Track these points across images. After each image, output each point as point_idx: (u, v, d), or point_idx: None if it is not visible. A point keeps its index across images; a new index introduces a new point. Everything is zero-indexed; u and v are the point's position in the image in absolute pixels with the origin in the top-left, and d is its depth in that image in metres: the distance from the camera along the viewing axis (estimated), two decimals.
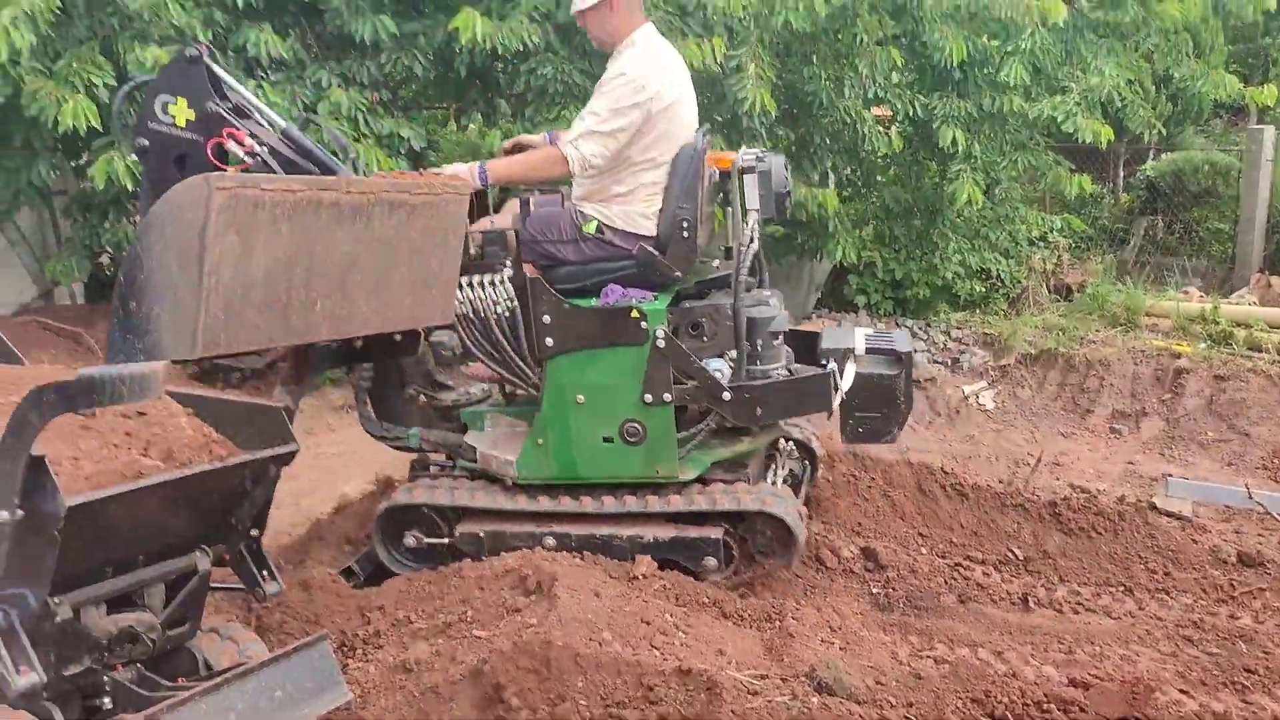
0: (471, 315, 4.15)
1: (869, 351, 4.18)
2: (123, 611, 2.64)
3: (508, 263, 4.10)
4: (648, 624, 3.56)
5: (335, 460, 6.35)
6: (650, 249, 4.12)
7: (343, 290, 2.70)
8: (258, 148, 4.09)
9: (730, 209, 4.26)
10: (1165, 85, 10.04)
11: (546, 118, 7.30)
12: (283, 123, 4.23)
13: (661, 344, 4.02)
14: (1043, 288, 9.97)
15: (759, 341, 4.08)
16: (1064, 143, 9.58)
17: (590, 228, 4.19)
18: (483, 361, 4.23)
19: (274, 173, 4.05)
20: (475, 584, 3.82)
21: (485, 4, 7.21)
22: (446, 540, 4.30)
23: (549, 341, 4.11)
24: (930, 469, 5.24)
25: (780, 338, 4.17)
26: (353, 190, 2.70)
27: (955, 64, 8.04)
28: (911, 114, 8.68)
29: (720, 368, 4.12)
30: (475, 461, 4.33)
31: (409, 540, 4.37)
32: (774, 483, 4.29)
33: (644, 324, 4.02)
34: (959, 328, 9.52)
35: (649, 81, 4.06)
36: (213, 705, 2.46)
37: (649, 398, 4.07)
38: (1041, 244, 10.52)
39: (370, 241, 2.77)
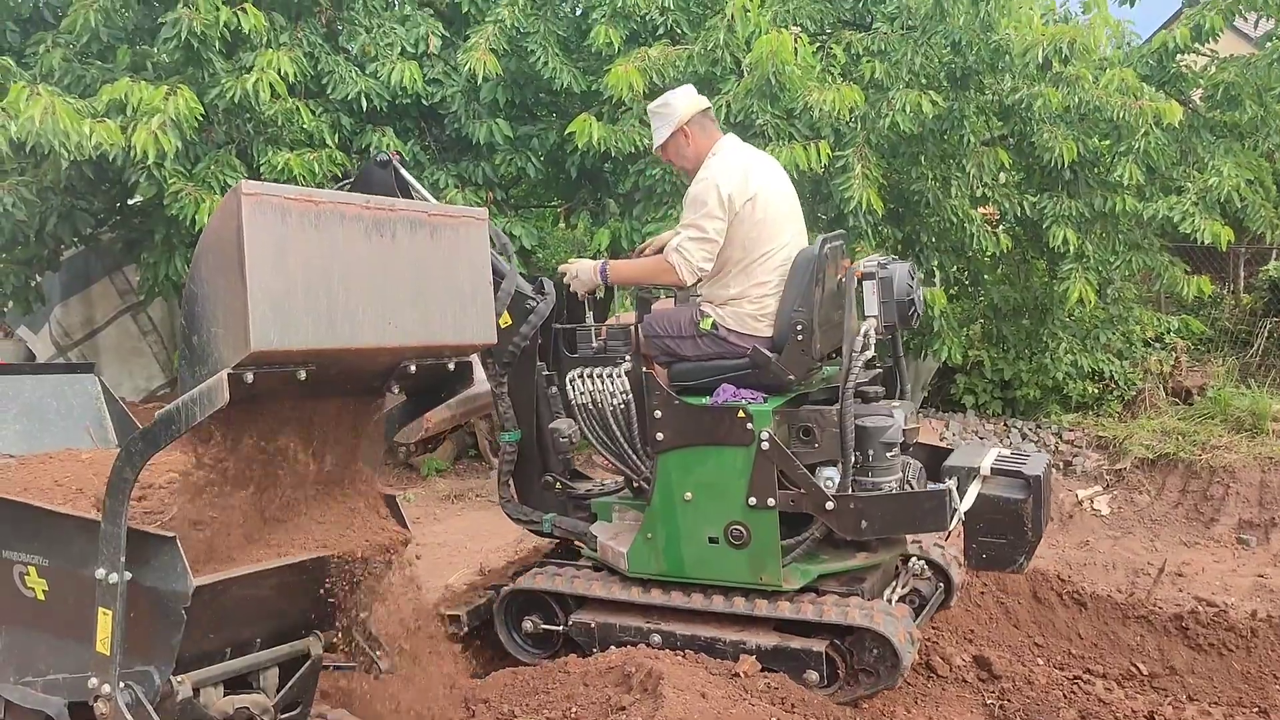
0: (590, 405, 4.27)
1: (996, 472, 3.96)
2: (239, 693, 2.70)
3: (628, 356, 4.21)
4: None
5: (440, 550, 6.44)
6: (764, 350, 4.11)
7: (382, 298, 2.74)
8: None
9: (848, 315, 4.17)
10: None
11: (653, 217, 7.46)
12: None
13: (766, 446, 3.96)
14: (1160, 390, 9.66)
15: (870, 451, 3.96)
16: (1181, 242, 9.38)
17: (706, 324, 4.23)
18: (599, 451, 4.32)
19: None
20: (580, 680, 3.81)
21: (598, 109, 7.46)
22: (561, 628, 4.33)
23: (660, 436, 4.13)
24: (1046, 576, 5.07)
25: (897, 449, 4.03)
26: (372, 205, 2.78)
27: (1066, 164, 7.99)
28: (1019, 213, 8.63)
29: (832, 476, 4.03)
30: (595, 551, 4.36)
31: (527, 625, 4.42)
32: (890, 600, 4.13)
33: (750, 425, 3.98)
34: (1071, 430, 9.26)
35: (728, 178, 4.14)
36: None
37: (753, 501, 4.01)
38: (1158, 345, 10.23)
39: (399, 255, 2.82)
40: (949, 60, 7.89)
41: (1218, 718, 4.15)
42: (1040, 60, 7.56)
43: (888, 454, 3.99)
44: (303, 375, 2.56)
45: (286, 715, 2.89)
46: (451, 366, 3.09)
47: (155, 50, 7.19)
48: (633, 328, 4.28)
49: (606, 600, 4.26)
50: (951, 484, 3.89)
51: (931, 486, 4.02)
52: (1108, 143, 8.45)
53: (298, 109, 7.20)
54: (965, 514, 3.87)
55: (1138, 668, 4.50)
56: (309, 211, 2.58)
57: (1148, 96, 7.95)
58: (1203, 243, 8.21)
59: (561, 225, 9.90)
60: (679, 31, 7.86)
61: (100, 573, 2.43)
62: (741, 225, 4.16)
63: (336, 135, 7.51)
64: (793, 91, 7.09)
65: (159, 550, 2.46)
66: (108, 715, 2.45)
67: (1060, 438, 9.14)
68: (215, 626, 2.60)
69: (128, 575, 2.44)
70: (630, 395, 4.19)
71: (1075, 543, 7.38)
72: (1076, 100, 7.76)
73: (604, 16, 7.52)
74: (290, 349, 2.49)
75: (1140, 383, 9.58)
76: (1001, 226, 9.24)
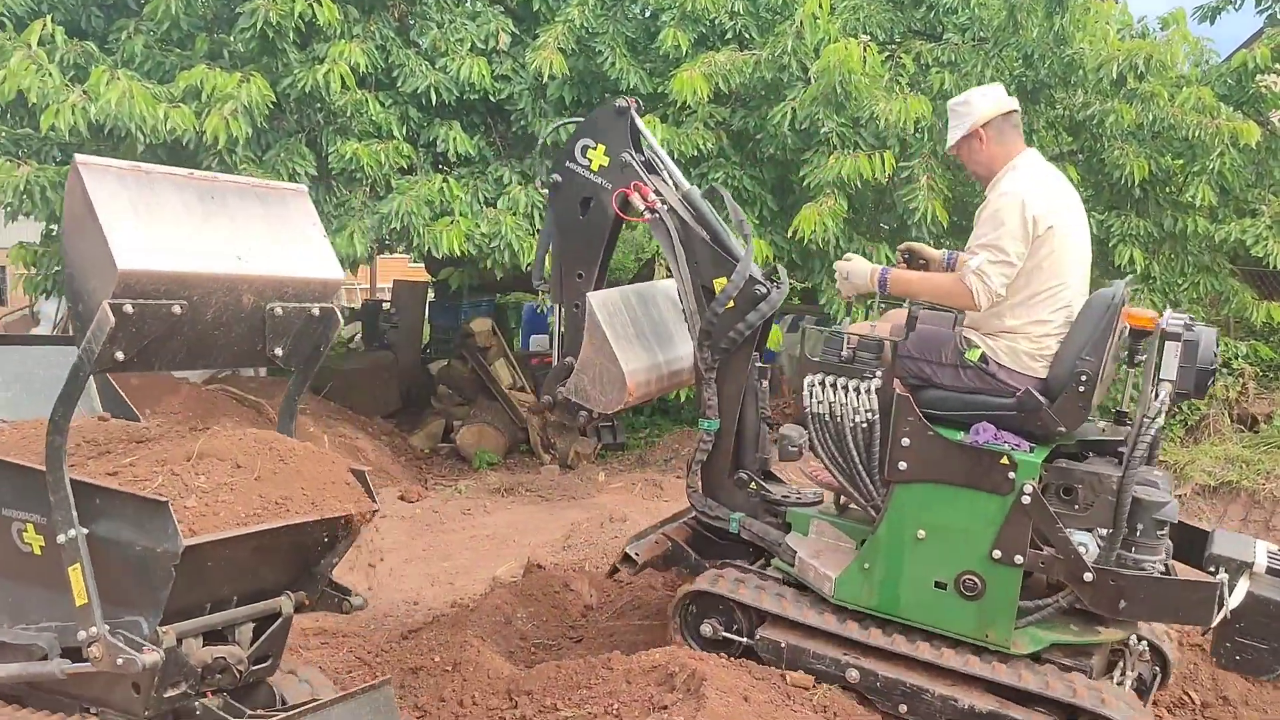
0: (827, 417, 3.91)
1: (1270, 571, 3.60)
2: (217, 645, 2.95)
3: (878, 373, 3.84)
4: None
5: (489, 542, 6.49)
6: (1037, 394, 3.71)
7: (230, 240, 2.93)
8: (659, 204, 4.24)
9: (1143, 374, 3.82)
10: None
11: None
12: (686, 185, 4.36)
13: (1027, 500, 3.59)
14: (1225, 416, 9.45)
15: (1139, 526, 3.58)
16: (1252, 266, 9.17)
17: (974, 355, 3.82)
18: (825, 466, 3.97)
19: (667, 230, 4.22)
20: (623, 676, 3.80)
21: (663, 110, 7.48)
22: (745, 640, 4.06)
23: (902, 465, 3.78)
24: None
25: (1168, 529, 3.65)
26: (197, 177, 2.97)
27: (1136, 182, 7.86)
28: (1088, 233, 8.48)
29: (1085, 542, 3.69)
30: (792, 565, 4.08)
31: (706, 629, 4.13)
32: (1120, 683, 3.73)
33: (1012, 474, 3.60)
34: None
35: (1030, 201, 3.71)
36: None
37: (998, 554, 3.64)
38: (1225, 371, 10.00)
39: (234, 214, 3.01)
40: (1020, 73, 7.81)
41: None
42: (1115, 76, 7.46)
43: (1158, 532, 3.60)
44: (177, 309, 2.70)
45: (258, 666, 3.11)
46: (316, 311, 3.15)
47: (232, 39, 7.35)
48: (888, 343, 3.87)
49: (801, 622, 3.94)
50: (1224, 577, 3.54)
51: (1199, 575, 3.63)
52: (1181, 162, 8.29)
53: (367, 100, 7.31)
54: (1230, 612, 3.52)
55: (1190, 696, 4.40)
56: (142, 179, 2.80)
57: (1225, 116, 7.81)
58: (1275, 266, 8.02)
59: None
60: (747, 36, 7.86)
61: (60, 537, 2.65)
62: (1037, 253, 3.74)
63: (404, 127, 7.61)
64: (859, 100, 7.06)
65: (153, 514, 2.66)
66: (99, 657, 2.67)
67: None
68: (199, 583, 2.81)
69: (84, 530, 2.67)
70: (876, 415, 3.82)
71: None
72: (1150, 117, 7.65)
73: (673, 19, 7.55)
74: (153, 269, 2.66)
75: (1205, 408, 9.37)
76: None
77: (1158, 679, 3.98)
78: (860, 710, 3.88)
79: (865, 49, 7.04)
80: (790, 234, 7.24)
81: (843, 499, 4.20)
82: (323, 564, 3.19)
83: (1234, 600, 3.50)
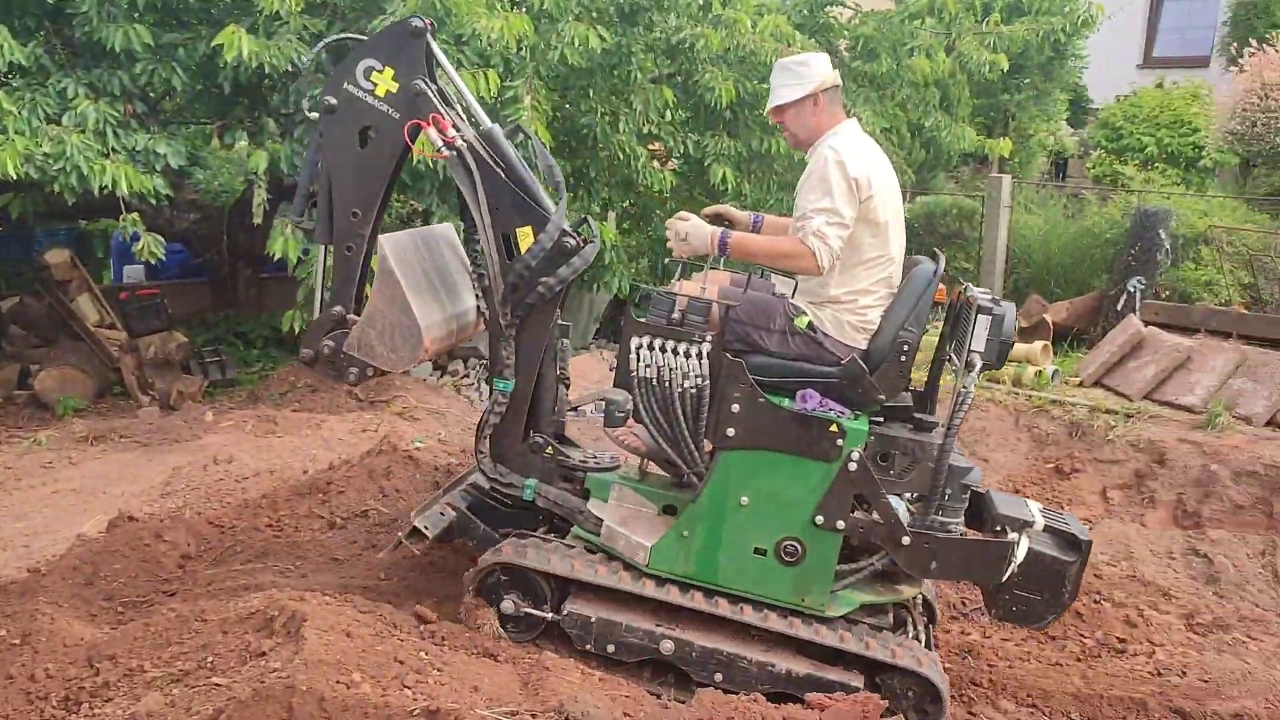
0: (654, 380, 3.78)
1: (1048, 529, 3.84)
2: None
3: (708, 336, 3.76)
4: (401, 663, 3.47)
5: (73, 497, 5.90)
6: (860, 363, 3.81)
7: None
8: (459, 141, 3.81)
9: (956, 346, 3.89)
10: (918, 134, 10.75)
11: None
12: (487, 123, 3.94)
13: (854, 467, 3.68)
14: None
15: (948, 491, 3.74)
16: None
17: (802, 322, 3.88)
18: (649, 431, 3.85)
19: (466, 171, 3.80)
20: (218, 627, 3.61)
21: (252, 20, 6.95)
22: (550, 615, 3.91)
23: (730, 432, 3.76)
24: None
25: (968, 493, 3.84)
26: None
27: (725, 105, 8.35)
28: (685, 151, 8.95)
29: (899, 507, 3.81)
30: (596, 533, 3.97)
31: (506, 605, 3.94)
32: (915, 638, 3.94)
33: (840, 441, 3.68)
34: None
35: (856, 163, 3.76)
36: None
37: (820, 520, 3.72)
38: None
39: None
40: None
41: None
42: (702, 1, 7.81)
43: (963, 496, 3.80)
44: None
45: None
46: None
47: None
48: (717, 306, 3.82)
49: (613, 592, 3.85)
50: (1014, 536, 3.74)
51: (992, 537, 3.82)
52: (766, 86, 8.89)
53: None
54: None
55: None
56: None
57: (799, 44, 8.44)
58: None
59: (217, 144, 9.22)
60: None
61: None
62: (861, 221, 3.81)
63: None
64: (459, 17, 6.92)
65: None
66: None
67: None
68: None
69: None
70: (705, 380, 3.75)
71: None
72: (735, 43, 8.10)
73: None
74: None
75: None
76: (671, 164, 9.58)
77: (928, 630, 4.25)
78: (467, 635, 3.95)
79: None
80: None
81: (647, 464, 4.16)
82: None
83: (1019, 557, 3.72)
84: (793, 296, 3.91)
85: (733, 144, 8.85)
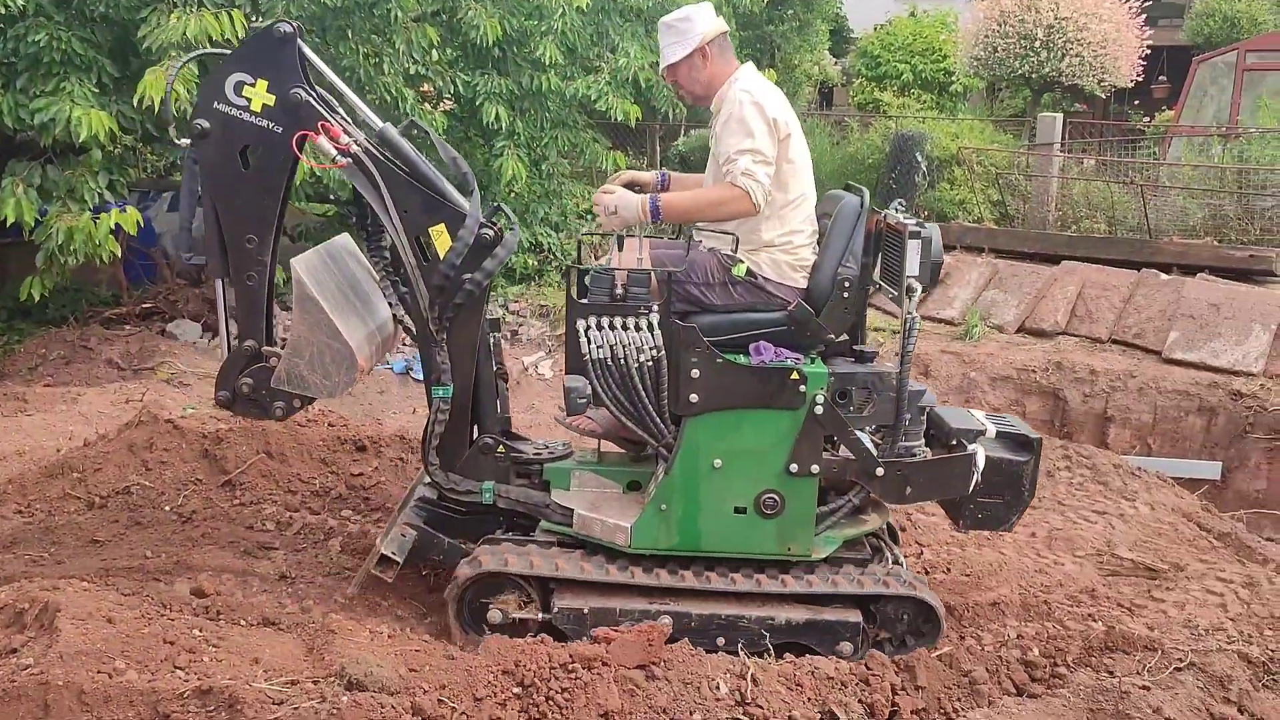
0: (610, 360, 3.64)
1: (1001, 435, 3.93)
2: None
3: (654, 306, 3.63)
4: (171, 644, 3.29)
5: None
6: (806, 305, 3.79)
7: None
8: (354, 147, 3.49)
9: (899, 274, 3.82)
10: None
11: (42, 90, 6.52)
12: (379, 123, 3.59)
13: (820, 410, 3.65)
14: (593, 259, 10.48)
15: (907, 416, 3.77)
16: (603, 120, 10.10)
17: (739, 270, 3.79)
18: (612, 411, 3.71)
19: (368, 177, 3.51)
20: None
21: None
22: (541, 616, 3.71)
23: (693, 398, 3.65)
24: None
25: (925, 414, 3.88)
26: None
27: (492, 43, 8.19)
28: (456, 92, 8.73)
29: (865, 441, 3.79)
30: (567, 524, 3.80)
31: (494, 615, 3.71)
32: (896, 563, 3.94)
33: (803, 387, 3.63)
34: (516, 301, 9.78)
35: (771, 103, 3.73)
36: None
37: (795, 468, 3.68)
38: (590, 217, 11.05)
39: None
40: None
41: None
42: None
43: (920, 419, 3.83)
44: None
45: None
46: None
47: None
48: (655, 274, 3.69)
49: (598, 582, 3.71)
50: (975, 448, 3.80)
51: (953, 453, 3.86)
52: (532, 22, 8.78)
53: None
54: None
55: None
56: None
57: None
58: (616, 119, 8.91)
59: None
60: None
61: None
62: (782, 161, 3.75)
63: None
64: None
65: None
66: None
67: (507, 309, 9.63)
68: None
69: None
70: (660, 350, 3.62)
71: (523, 407, 7.85)
72: None
73: None
74: None
75: (575, 253, 10.31)
76: (443, 105, 9.33)
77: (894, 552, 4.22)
78: (244, 602, 3.80)
79: None
80: (138, 102, 6.54)
81: (602, 445, 4.08)
82: None
83: (980, 466, 3.79)
84: (735, 251, 3.88)
85: (503, 82, 8.72)
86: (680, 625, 3.63)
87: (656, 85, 9.29)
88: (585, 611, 3.66)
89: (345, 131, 3.56)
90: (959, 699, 3.38)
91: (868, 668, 3.37)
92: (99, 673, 3.03)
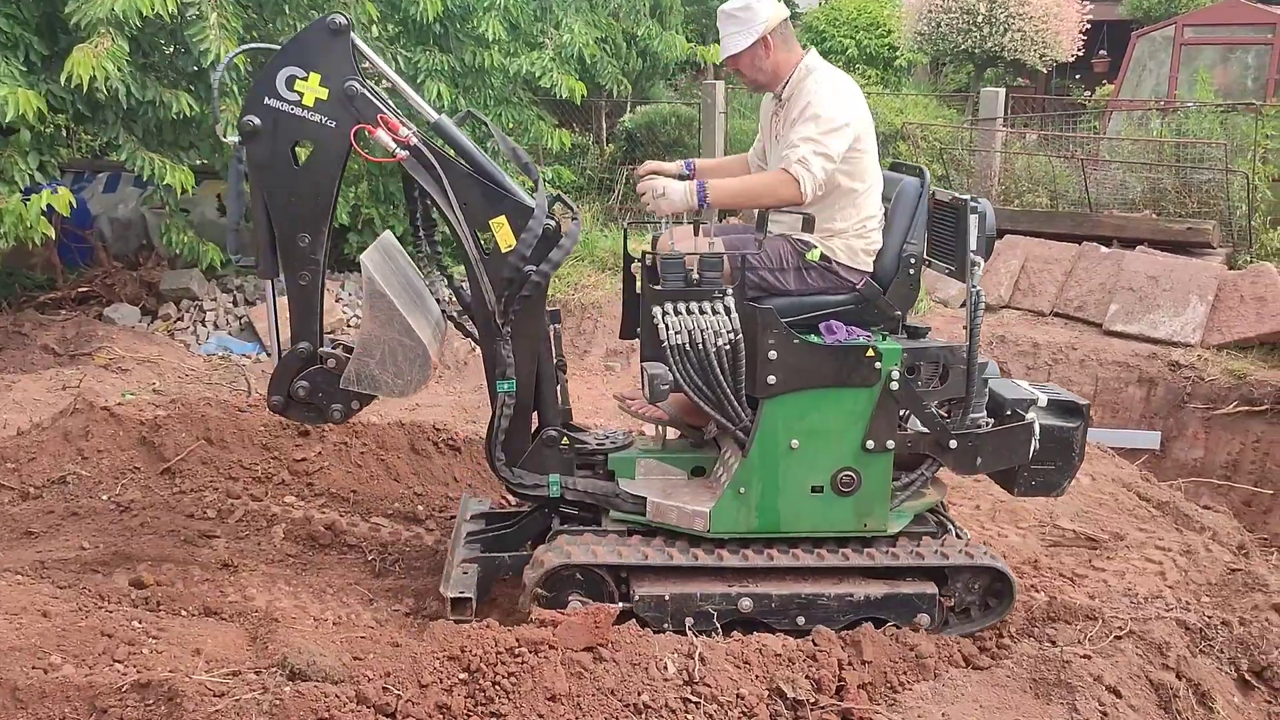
0: (688, 345, 3.60)
1: (1052, 403, 4.00)
2: None
3: (729, 290, 3.62)
4: (109, 637, 3.25)
5: None
6: (875, 285, 3.85)
7: None
8: (413, 140, 3.42)
9: (959, 250, 3.86)
10: (633, 43, 10.80)
11: None
12: (434, 114, 3.54)
13: (895, 386, 3.67)
14: (635, 244, 10.42)
15: (974, 388, 3.81)
16: (547, 97, 10.00)
17: (814, 255, 3.81)
18: (691, 397, 3.67)
19: (428, 169, 3.45)
20: None
21: None
22: (621, 605, 3.59)
23: (771, 379, 3.63)
24: (422, 428, 5.26)
25: (988, 386, 3.94)
26: None
27: (433, 19, 8.06)
28: (397, 68, 8.58)
29: (934, 414, 3.82)
30: (640, 513, 3.77)
31: (574, 606, 3.59)
32: (959, 536, 3.98)
33: (878, 364, 3.65)
34: (463, 280, 9.68)
35: (851, 103, 3.79)
36: None
37: (871, 444, 3.71)
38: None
39: None
40: None
41: None
42: None
43: (984, 391, 3.87)
44: None
45: None
46: None
47: None
48: (729, 258, 3.67)
49: (674, 567, 3.68)
50: (1032, 417, 3.86)
51: (1014, 423, 3.90)
52: None
53: None
54: None
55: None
56: None
57: None
58: (561, 96, 8.82)
59: None
60: None
61: None
62: (859, 154, 3.80)
63: None
64: None
65: None
66: None
67: (454, 290, 9.53)
68: None
69: None
70: (739, 335, 3.60)
71: (471, 387, 7.78)
72: None
73: None
74: None
75: (640, 243, 10.22)
76: (381, 84, 9.17)
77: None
78: (184, 592, 3.74)
79: None
80: (66, 80, 6.35)
81: (665, 431, 4.09)
82: None
83: (1037, 434, 3.85)
84: (803, 232, 3.87)
85: (445, 59, 8.58)
86: (761, 607, 3.66)
87: (601, 61, 9.22)
88: (666, 598, 3.64)
89: (403, 124, 3.49)
90: (904, 672, 3.42)
91: (815, 644, 3.40)
92: (34, 668, 2.97)
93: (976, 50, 14.58)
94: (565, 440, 3.88)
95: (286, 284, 3.61)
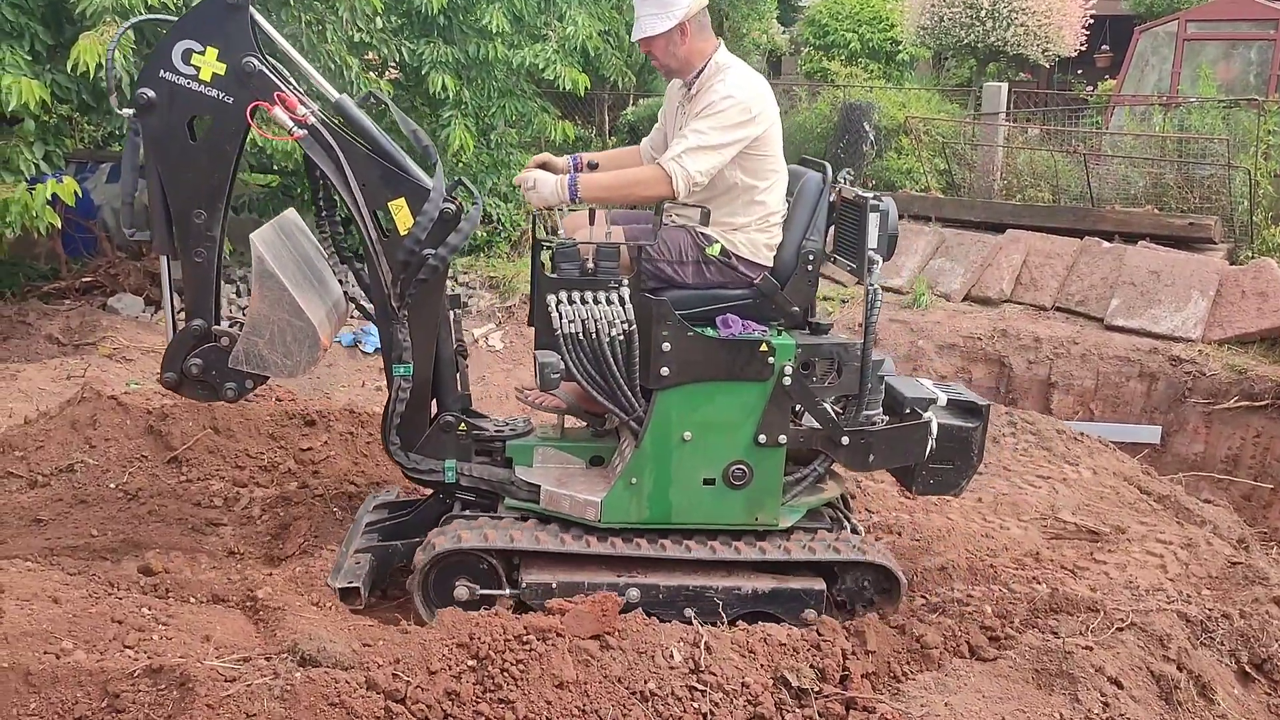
0: (580, 335, 3.61)
1: (951, 403, 4.01)
2: None
3: (624, 280, 3.63)
4: (120, 623, 3.26)
5: None
6: (773, 280, 3.84)
7: None
8: (311, 119, 3.38)
9: (860, 248, 3.85)
10: None
11: None
12: (335, 94, 3.49)
13: (788, 382, 3.69)
14: (541, 229, 10.42)
15: (869, 385, 3.82)
16: (551, 89, 10.01)
17: (714, 250, 3.81)
18: (583, 385, 3.68)
19: (325, 149, 3.41)
20: None
21: None
22: (507, 591, 3.67)
23: (664, 371, 3.65)
24: None
25: (884, 382, 3.95)
26: None
27: (438, 10, 8.07)
28: (401, 60, 8.60)
29: (829, 411, 3.83)
30: (534, 501, 3.78)
31: (461, 592, 3.66)
32: (855, 531, 3.99)
33: (772, 359, 3.67)
34: (465, 272, 9.71)
35: (756, 104, 3.75)
36: None
37: (763, 439, 3.73)
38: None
39: None
40: None
41: None
42: None
43: (879, 388, 3.88)
44: None
45: None
46: None
47: None
48: (624, 248, 3.68)
49: (564, 554, 3.70)
50: (930, 416, 3.87)
51: (911, 421, 3.92)
52: None
53: None
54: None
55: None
56: None
57: None
58: (564, 88, 8.83)
59: None
60: None
61: None
62: (762, 151, 3.80)
63: None
64: None
65: None
66: None
67: (456, 280, 9.55)
68: None
69: None
70: (633, 325, 3.61)
71: (473, 379, 7.80)
72: None
73: None
74: None
75: (524, 224, 10.25)
76: (388, 74, 9.19)
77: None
78: (192, 579, 3.77)
79: None
80: (72, 69, 6.37)
81: (567, 420, 4.08)
82: None
83: (934, 433, 3.86)
84: (702, 225, 3.84)
85: (450, 50, 8.60)
86: (649, 598, 3.67)
87: (605, 54, 9.23)
88: (553, 585, 3.64)
89: (301, 102, 3.45)
90: (908, 662, 3.44)
91: (819, 633, 3.42)
92: (45, 653, 2.98)
93: (979, 45, 14.57)
94: (463, 426, 3.86)
95: (182, 260, 3.57)
